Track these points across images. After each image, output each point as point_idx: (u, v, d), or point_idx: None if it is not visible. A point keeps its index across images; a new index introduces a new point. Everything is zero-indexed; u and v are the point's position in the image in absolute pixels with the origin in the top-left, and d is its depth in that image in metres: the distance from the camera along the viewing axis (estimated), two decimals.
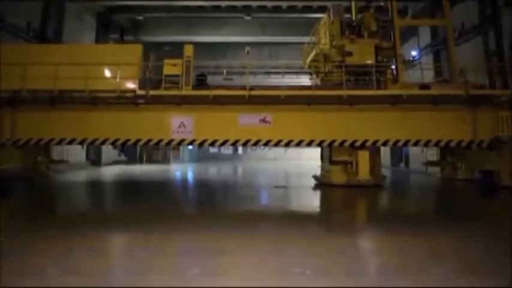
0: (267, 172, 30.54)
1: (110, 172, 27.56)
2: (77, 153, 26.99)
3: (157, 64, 17.59)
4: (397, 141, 17.34)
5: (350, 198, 15.79)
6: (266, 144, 17.96)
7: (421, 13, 28.56)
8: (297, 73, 31.38)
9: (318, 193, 17.38)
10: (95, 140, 17.62)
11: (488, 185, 16.64)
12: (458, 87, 17.30)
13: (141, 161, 39.24)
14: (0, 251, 6.45)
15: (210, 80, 19.60)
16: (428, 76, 21.63)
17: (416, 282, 5.17)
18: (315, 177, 20.40)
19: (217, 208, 13.46)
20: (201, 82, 18.45)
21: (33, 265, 5.89)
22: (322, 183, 19.16)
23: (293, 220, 10.81)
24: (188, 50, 17.56)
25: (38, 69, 16.36)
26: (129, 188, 19.95)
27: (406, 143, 17.61)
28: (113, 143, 18.41)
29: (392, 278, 5.40)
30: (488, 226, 9.89)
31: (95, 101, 17.03)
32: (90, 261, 6.12)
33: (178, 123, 17.35)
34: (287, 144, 17.96)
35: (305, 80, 24.13)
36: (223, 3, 31.48)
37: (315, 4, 29.84)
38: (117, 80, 16.93)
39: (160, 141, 17.60)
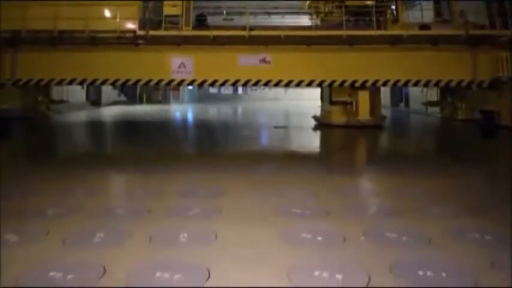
0: (267, 112, 30.57)
1: (109, 112, 27.59)
2: (77, 93, 26.95)
3: (157, 5, 17.41)
4: (397, 81, 17.31)
5: (350, 139, 15.90)
6: (266, 84, 18.01)
7: None
8: (297, 13, 30.94)
9: (317, 133, 17.46)
10: (95, 80, 17.64)
11: (488, 125, 16.73)
12: (458, 27, 17.15)
13: (141, 101, 39.19)
14: (0, 191, 6.51)
15: (210, 20, 19.48)
16: (429, 16, 21.39)
17: (415, 221, 5.25)
18: (314, 117, 20.44)
19: (217, 148, 13.53)
20: (201, 22, 18.37)
21: (33, 205, 5.91)
22: (322, 124, 19.22)
23: (293, 161, 10.87)
24: None
25: (38, 9, 16.23)
26: (129, 128, 20.04)
27: (406, 83, 17.60)
28: (113, 83, 18.46)
29: (392, 217, 5.47)
30: (488, 166, 9.94)
31: (94, 41, 16.89)
32: (90, 201, 6.15)
33: (178, 64, 17.30)
34: (287, 85, 18.01)
35: (305, 21, 23.87)
36: None
37: None
38: (117, 20, 16.82)
39: (160, 81, 17.62)
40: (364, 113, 17.72)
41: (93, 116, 24.89)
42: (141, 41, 17.20)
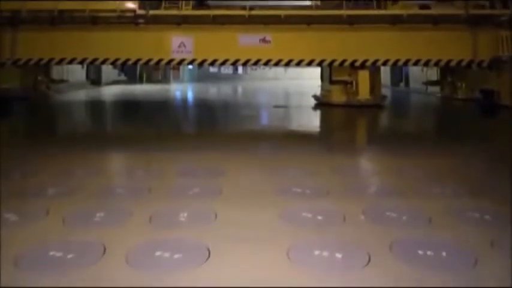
0: (267, 92, 30.51)
1: (110, 92, 27.51)
2: (77, 72, 26.83)
3: None
4: (397, 60, 17.24)
5: (350, 118, 15.88)
6: (266, 63, 17.96)
7: None
8: None
9: (317, 113, 17.45)
10: (95, 60, 17.55)
11: (488, 104, 16.73)
12: (458, 7, 17.06)
13: (141, 81, 38.99)
14: (0, 171, 6.50)
15: None
16: None
17: (416, 201, 5.25)
18: (314, 96, 20.41)
19: (217, 128, 13.55)
20: (201, 2, 18.23)
21: (33, 185, 5.90)
22: (322, 103, 19.18)
23: (293, 140, 10.89)
24: None
25: None
26: (129, 107, 20.02)
27: (406, 63, 17.55)
28: (113, 63, 18.45)
29: (392, 197, 5.46)
30: (488, 146, 9.94)
31: (95, 20, 16.86)
32: (90, 181, 6.13)
33: (178, 43, 17.24)
34: (287, 64, 17.94)
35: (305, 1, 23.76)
36: None
37: None
38: None
39: (160, 60, 17.56)
40: (364, 93, 17.67)
41: (93, 95, 24.82)
42: (141, 21, 17.13)
